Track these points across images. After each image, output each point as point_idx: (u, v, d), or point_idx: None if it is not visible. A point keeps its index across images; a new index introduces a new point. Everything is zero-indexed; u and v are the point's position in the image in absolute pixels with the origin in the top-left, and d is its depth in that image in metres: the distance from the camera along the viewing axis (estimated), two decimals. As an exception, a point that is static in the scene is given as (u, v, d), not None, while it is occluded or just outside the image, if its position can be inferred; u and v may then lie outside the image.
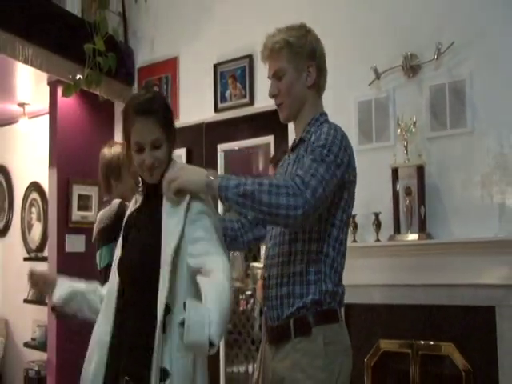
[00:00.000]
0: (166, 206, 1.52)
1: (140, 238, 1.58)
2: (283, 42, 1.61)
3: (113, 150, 2.45)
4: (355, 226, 3.00)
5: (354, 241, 2.98)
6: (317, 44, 1.65)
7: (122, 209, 2.24)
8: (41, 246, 4.93)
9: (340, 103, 3.20)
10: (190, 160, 3.94)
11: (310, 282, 1.51)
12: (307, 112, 1.65)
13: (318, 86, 1.66)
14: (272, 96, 1.66)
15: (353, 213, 2.94)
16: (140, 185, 1.62)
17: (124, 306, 1.54)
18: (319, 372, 1.46)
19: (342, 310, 1.62)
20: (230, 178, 1.43)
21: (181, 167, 1.52)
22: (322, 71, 1.66)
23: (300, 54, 1.61)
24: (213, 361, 3.50)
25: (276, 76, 1.64)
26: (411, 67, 2.97)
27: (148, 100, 1.54)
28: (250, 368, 3.48)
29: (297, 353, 1.49)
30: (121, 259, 1.60)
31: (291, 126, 3.38)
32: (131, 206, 1.66)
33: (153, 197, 1.58)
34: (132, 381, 1.45)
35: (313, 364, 1.47)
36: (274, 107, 3.46)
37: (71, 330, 2.60)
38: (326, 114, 1.69)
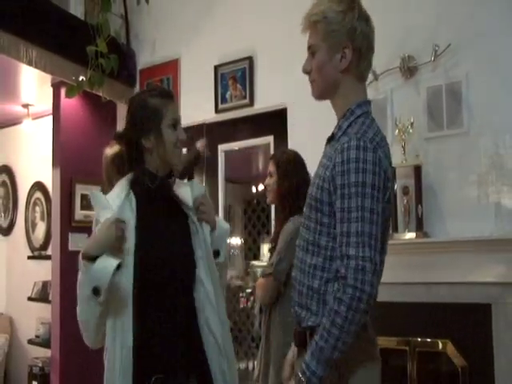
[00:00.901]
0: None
1: (174, 236, 1.63)
2: (320, 15, 1.43)
3: (114, 149, 2.43)
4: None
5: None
6: (359, 23, 1.43)
7: None
8: (44, 245, 4.93)
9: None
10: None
11: (326, 302, 1.37)
12: (341, 99, 1.47)
13: (356, 71, 1.45)
14: (305, 72, 1.53)
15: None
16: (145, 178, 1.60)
17: (145, 305, 1.53)
18: (346, 380, 1.37)
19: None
20: (308, 365, 1.29)
21: None
22: (361, 54, 1.43)
23: (336, 31, 1.42)
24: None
25: (310, 51, 1.50)
26: (408, 69, 2.97)
27: (167, 89, 1.63)
28: (250, 365, 3.48)
29: None
30: (158, 257, 1.56)
31: (291, 126, 3.42)
32: (120, 198, 1.58)
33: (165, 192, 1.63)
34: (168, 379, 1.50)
35: (328, 376, 1.35)
36: (274, 108, 3.53)
37: (74, 328, 2.60)
38: (364, 105, 1.46)
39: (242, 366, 3.64)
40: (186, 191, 1.66)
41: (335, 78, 1.46)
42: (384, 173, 1.34)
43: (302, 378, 1.29)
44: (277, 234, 2.41)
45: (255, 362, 2.45)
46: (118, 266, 1.43)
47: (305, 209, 1.48)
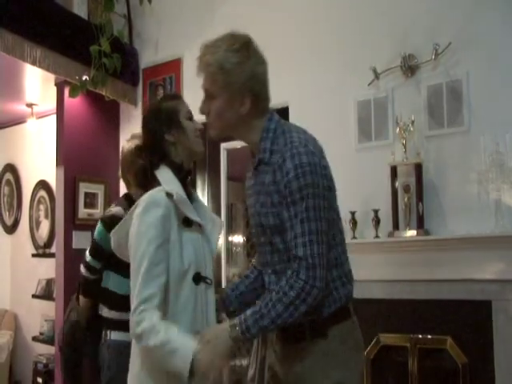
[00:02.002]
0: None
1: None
2: (217, 66, 1.43)
3: (130, 143, 2.36)
4: (355, 223, 3.00)
5: (354, 237, 2.99)
6: (257, 69, 1.47)
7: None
8: (48, 243, 4.94)
9: (340, 103, 3.21)
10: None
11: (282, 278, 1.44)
12: (246, 133, 1.51)
13: (256, 112, 1.48)
14: (202, 113, 1.51)
15: (352, 210, 2.99)
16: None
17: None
18: (338, 371, 1.44)
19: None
20: (247, 319, 1.36)
21: (204, 355, 1.37)
22: (258, 98, 1.48)
23: (234, 82, 1.42)
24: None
25: (207, 94, 1.49)
26: (409, 67, 2.96)
27: (175, 92, 1.67)
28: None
29: (314, 354, 1.46)
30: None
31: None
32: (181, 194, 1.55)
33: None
34: None
35: (331, 364, 1.44)
36: (275, 107, 3.45)
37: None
38: (271, 117, 1.51)
39: (244, 362, 3.63)
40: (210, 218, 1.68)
41: (235, 122, 1.49)
42: (320, 167, 1.41)
43: (237, 327, 1.36)
44: None
45: (250, 361, 2.41)
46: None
47: (262, 239, 1.52)
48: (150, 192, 1.51)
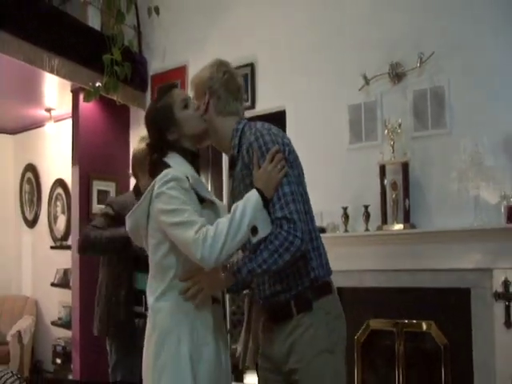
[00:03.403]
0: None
1: None
2: (193, 77, 1.68)
3: (140, 144, 2.36)
4: (347, 217, 3.01)
5: (346, 231, 3.00)
6: (216, 73, 1.61)
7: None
8: (65, 236, 4.96)
9: (333, 106, 3.22)
10: (196, 159, 3.94)
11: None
12: (214, 134, 1.63)
13: (216, 111, 1.60)
14: None
15: (344, 205, 3.00)
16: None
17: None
18: (323, 340, 1.47)
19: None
20: (238, 262, 1.44)
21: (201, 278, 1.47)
22: (218, 97, 1.60)
23: (198, 84, 1.63)
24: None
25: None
26: (397, 74, 2.96)
27: (169, 84, 1.70)
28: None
29: (301, 327, 1.48)
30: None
31: (290, 127, 3.41)
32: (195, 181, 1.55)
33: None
34: None
35: (317, 335, 1.47)
36: (273, 110, 3.53)
37: (92, 311, 2.62)
38: (240, 121, 1.61)
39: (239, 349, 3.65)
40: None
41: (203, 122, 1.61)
42: (283, 141, 1.52)
43: (234, 267, 1.43)
44: None
45: (239, 341, 2.41)
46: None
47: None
48: (165, 171, 1.49)
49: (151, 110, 1.66)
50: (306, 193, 1.56)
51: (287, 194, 1.44)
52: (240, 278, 1.44)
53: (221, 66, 1.64)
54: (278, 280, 1.52)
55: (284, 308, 1.51)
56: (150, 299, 1.52)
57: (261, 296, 1.59)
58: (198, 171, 1.61)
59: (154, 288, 1.52)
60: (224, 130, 1.60)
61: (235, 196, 1.56)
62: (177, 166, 1.53)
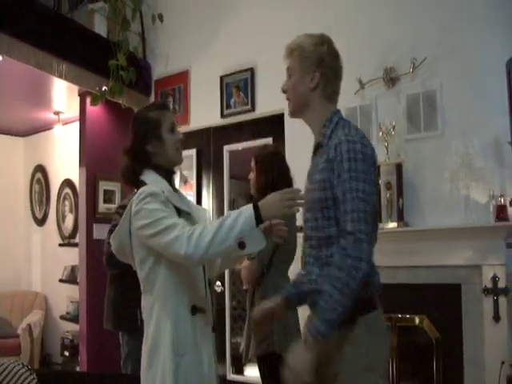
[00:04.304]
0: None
1: None
2: (296, 45, 1.52)
3: None
4: (342, 216, 3.00)
5: (341, 228, 2.99)
6: (328, 56, 1.50)
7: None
8: (73, 234, 4.95)
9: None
10: (199, 158, 3.95)
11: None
12: (313, 114, 1.52)
13: (323, 92, 1.50)
14: (283, 91, 1.56)
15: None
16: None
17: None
18: (364, 358, 1.35)
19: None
20: (314, 323, 1.28)
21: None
22: (328, 80, 1.50)
23: (307, 58, 1.49)
24: (220, 332, 3.52)
25: (288, 73, 1.55)
26: (391, 79, 2.96)
27: (163, 101, 1.66)
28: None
29: (342, 343, 1.35)
30: None
31: (288, 129, 3.41)
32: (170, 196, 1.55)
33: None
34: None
35: (358, 352, 1.34)
36: (273, 113, 3.52)
37: (98, 306, 2.62)
38: (338, 113, 1.51)
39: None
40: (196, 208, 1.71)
41: (306, 95, 1.50)
42: (370, 158, 1.38)
43: (309, 335, 1.29)
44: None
45: (243, 336, 2.40)
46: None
47: (307, 215, 1.47)
48: (140, 189, 1.50)
49: (141, 116, 1.64)
50: (376, 213, 1.44)
51: (362, 210, 1.31)
52: (324, 337, 1.27)
53: (330, 45, 1.53)
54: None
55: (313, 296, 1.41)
56: (144, 314, 1.55)
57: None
58: (173, 187, 1.60)
59: (145, 303, 1.54)
60: (321, 114, 1.49)
61: (309, 182, 1.49)
62: (152, 182, 1.54)
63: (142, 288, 1.55)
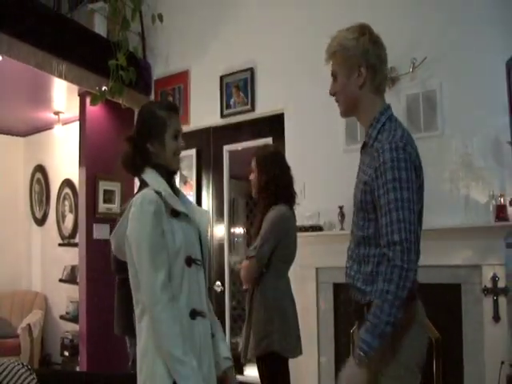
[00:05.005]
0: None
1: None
2: (337, 45, 1.49)
3: None
4: (343, 216, 3.00)
5: (342, 228, 2.98)
6: (370, 45, 1.45)
7: None
8: (73, 234, 4.95)
9: (330, 109, 3.19)
10: (199, 158, 3.94)
11: (376, 282, 1.38)
12: (364, 111, 1.49)
13: (372, 85, 1.46)
14: (331, 94, 1.55)
15: (340, 204, 2.99)
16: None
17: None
18: (401, 354, 1.36)
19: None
20: (364, 339, 1.29)
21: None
22: (375, 71, 1.46)
23: (350, 56, 1.45)
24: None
25: (333, 76, 1.53)
26: (391, 79, 2.95)
27: (173, 103, 1.64)
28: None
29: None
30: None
31: (288, 129, 3.41)
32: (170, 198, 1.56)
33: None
34: None
35: (394, 345, 1.36)
36: (272, 113, 3.52)
37: (98, 306, 2.62)
38: (385, 111, 1.48)
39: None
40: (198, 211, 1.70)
41: (356, 94, 1.48)
42: (414, 165, 1.37)
43: (361, 352, 1.30)
44: (259, 221, 2.32)
45: (242, 334, 2.39)
46: None
47: (354, 208, 1.52)
48: (142, 192, 1.51)
49: (150, 110, 1.62)
50: (421, 212, 1.44)
51: (407, 220, 1.30)
52: (374, 351, 1.29)
53: (371, 34, 1.48)
54: (364, 281, 1.43)
55: (358, 312, 1.44)
56: (136, 317, 1.53)
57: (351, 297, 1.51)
58: (172, 187, 1.60)
59: (136, 308, 1.52)
60: (370, 112, 1.47)
61: (357, 178, 1.51)
62: (154, 182, 1.54)
63: (132, 292, 1.52)
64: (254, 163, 2.38)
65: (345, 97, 1.51)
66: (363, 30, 1.48)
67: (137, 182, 3.06)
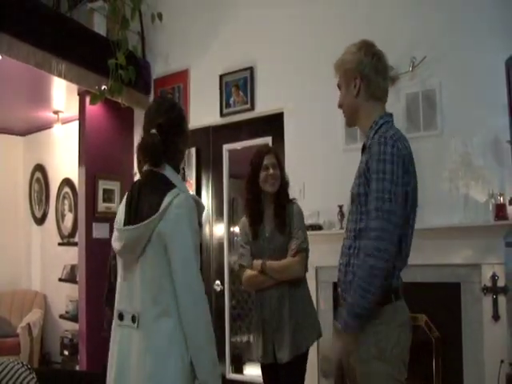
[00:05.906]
0: None
1: None
2: (340, 60, 1.63)
3: None
4: (342, 215, 3.00)
5: (341, 228, 2.98)
6: (366, 57, 1.57)
7: None
8: (72, 233, 4.94)
9: (329, 108, 3.19)
10: (199, 157, 3.94)
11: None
12: (364, 118, 1.59)
13: (366, 94, 1.57)
14: (339, 107, 1.67)
15: (340, 204, 2.99)
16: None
17: None
18: (371, 348, 1.46)
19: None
20: (343, 318, 1.45)
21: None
22: (369, 80, 1.56)
23: (349, 69, 1.59)
24: (220, 331, 3.52)
25: (339, 88, 1.66)
26: (390, 78, 2.95)
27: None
28: (251, 338, 3.51)
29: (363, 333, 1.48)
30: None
31: (287, 128, 3.41)
32: None
33: None
34: None
35: (366, 341, 1.46)
36: (272, 112, 3.52)
37: (98, 305, 2.62)
38: (385, 116, 1.57)
39: (244, 338, 3.64)
40: None
41: (353, 103, 1.59)
42: (402, 160, 1.43)
43: (339, 326, 1.45)
44: (279, 215, 2.29)
45: (257, 339, 2.33)
46: None
47: (350, 207, 1.59)
48: (186, 195, 1.49)
49: (180, 107, 1.65)
50: (414, 202, 1.52)
51: (384, 209, 1.38)
52: (353, 330, 1.43)
53: (368, 48, 1.60)
54: (351, 274, 1.51)
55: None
56: (146, 317, 1.45)
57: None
58: None
59: (149, 306, 1.45)
60: (370, 115, 1.57)
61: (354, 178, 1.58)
62: (178, 183, 1.53)
63: (146, 287, 1.47)
64: (274, 159, 2.34)
65: (346, 106, 1.62)
66: (361, 45, 1.60)
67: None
